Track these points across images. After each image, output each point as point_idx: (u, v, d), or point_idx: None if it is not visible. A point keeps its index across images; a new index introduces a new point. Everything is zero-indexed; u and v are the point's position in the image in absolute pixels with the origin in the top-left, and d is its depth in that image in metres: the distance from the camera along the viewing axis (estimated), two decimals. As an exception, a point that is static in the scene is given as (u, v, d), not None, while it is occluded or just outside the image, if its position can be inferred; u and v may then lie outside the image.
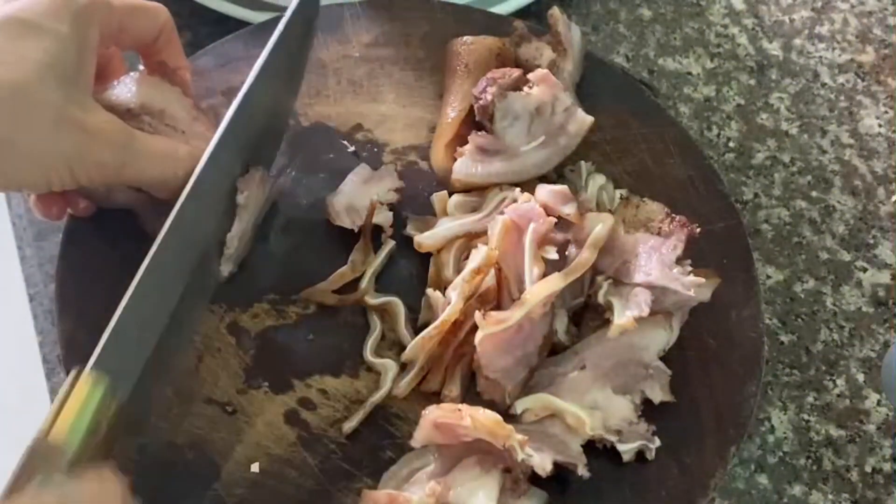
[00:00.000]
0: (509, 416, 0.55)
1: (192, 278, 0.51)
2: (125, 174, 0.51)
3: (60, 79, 0.48)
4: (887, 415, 0.65)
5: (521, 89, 0.61)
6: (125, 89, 0.55)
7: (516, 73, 0.62)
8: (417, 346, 0.56)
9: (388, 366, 0.57)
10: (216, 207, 0.54)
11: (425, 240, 0.60)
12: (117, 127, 0.51)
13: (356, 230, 0.60)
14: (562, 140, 0.62)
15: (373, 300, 0.59)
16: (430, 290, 0.59)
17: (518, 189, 0.61)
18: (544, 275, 0.57)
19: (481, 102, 0.61)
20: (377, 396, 0.56)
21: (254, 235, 0.59)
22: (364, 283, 0.59)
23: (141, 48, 0.57)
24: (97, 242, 0.58)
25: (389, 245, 0.61)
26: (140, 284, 0.47)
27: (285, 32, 0.56)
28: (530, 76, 0.62)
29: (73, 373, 0.44)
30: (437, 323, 0.56)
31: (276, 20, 0.67)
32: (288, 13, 0.57)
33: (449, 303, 0.56)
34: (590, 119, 0.63)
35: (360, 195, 0.61)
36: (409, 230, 0.61)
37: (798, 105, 0.77)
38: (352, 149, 0.64)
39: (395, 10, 0.69)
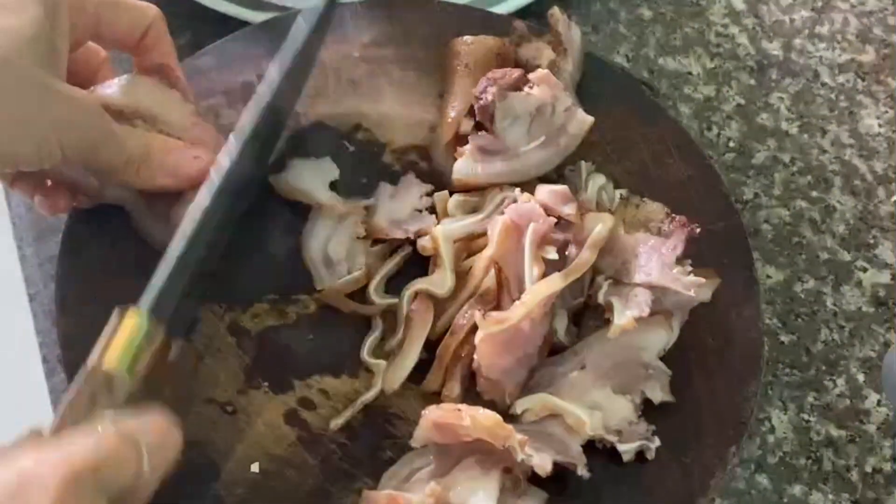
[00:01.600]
0: (509, 416, 0.55)
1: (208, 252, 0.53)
2: (104, 153, 0.52)
3: (40, 56, 0.48)
4: (887, 415, 0.65)
5: (521, 89, 0.61)
6: (118, 90, 0.55)
7: (517, 73, 0.61)
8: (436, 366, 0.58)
9: (381, 366, 0.57)
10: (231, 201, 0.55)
11: (425, 242, 0.60)
12: (97, 103, 0.51)
13: (412, 237, 0.60)
14: (562, 140, 0.62)
15: (380, 300, 0.59)
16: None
17: (518, 189, 0.61)
18: (544, 275, 0.57)
19: (482, 102, 0.61)
20: (368, 395, 0.56)
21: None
22: (373, 288, 0.59)
23: (127, 47, 0.56)
24: (97, 242, 0.58)
25: (405, 251, 0.61)
26: (186, 246, 0.50)
27: (306, 30, 0.57)
28: (531, 76, 0.62)
29: (117, 310, 0.47)
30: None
31: (278, 20, 0.67)
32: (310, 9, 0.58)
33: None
34: (590, 119, 0.63)
35: (397, 208, 0.61)
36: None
37: (798, 105, 0.77)
38: (352, 149, 0.64)
39: (395, 10, 0.69)
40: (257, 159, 0.57)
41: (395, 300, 0.59)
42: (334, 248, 0.59)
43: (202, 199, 0.51)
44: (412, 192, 0.61)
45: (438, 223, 0.60)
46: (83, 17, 0.53)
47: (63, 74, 0.51)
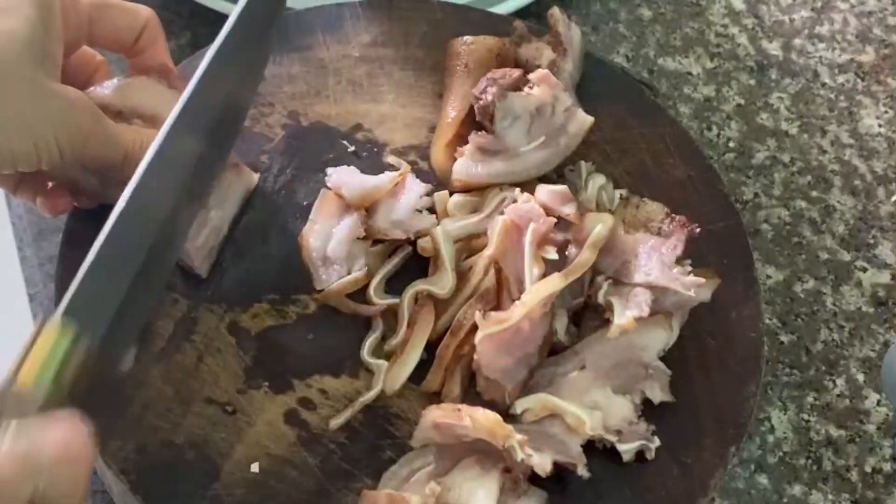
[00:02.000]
0: (509, 416, 0.55)
1: (154, 248, 0.49)
2: (100, 150, 0.52)
3: (34, 57, 0.49)
4: (887, 415, 0.65)
5: (521, 89, 0.61)
6: (117, 91, 0.55)
7: (517, 73, 0.62)
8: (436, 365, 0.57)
9: (382, 367, 0.57)
10: (175, 185, 0.51)
11: (425, 243, 0.60)
12: (91, 102, 0.51)
13: (412, 237, 0.60)
14: (562, 140, 0.63)
15: (380, 300, 0.59)
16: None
17: (518, 189, 0.61)
18: (544, 275, 0.57)
19: (482, 102, 0.61)
20: (367, 396, 0.56)
21: (230, 230, 0.59)
22: (373, 288, 0.59)
23: (121, 49, 0.57)
24: (97, 242, 0.58)
25: (406, 251, 0.61)
26: (106, 241, 0.46)
27: (242, 18, 0.54)
28: (531, 76, 0.62)
29: (39, 320, 0.43)
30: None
31: (285, 19, 0.67)
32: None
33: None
34: (590, 119, 0.63)
35: (400, 208, 0.61)
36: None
37: (798, 105, 0.77)
38: (352, 149, 0.64)
39: (395, 10, 0.69)
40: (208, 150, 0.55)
41: (395, 300, 0.59)
42: (334, 249, 0.59)
43: (130, 187, 0.48)
44: (412, 192, 0.61)
45: (438, 223, 0.60)
46: (76, 19, 0.53)
47: (58, 76, 0.51)
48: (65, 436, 0.39)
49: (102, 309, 0.45)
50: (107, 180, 0.55)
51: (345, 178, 0.60)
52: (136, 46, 0.56)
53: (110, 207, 0.57)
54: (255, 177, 0.61)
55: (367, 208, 0.60)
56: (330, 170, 0.61)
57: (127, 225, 0.46)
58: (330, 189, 0.60)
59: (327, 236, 0.59)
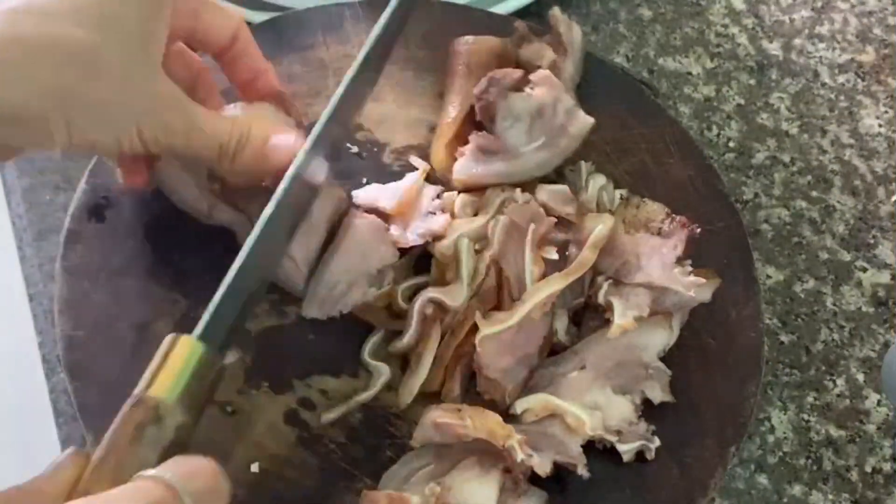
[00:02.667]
0: (509, 416, 0.55)
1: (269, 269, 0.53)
2: (189, 143, 0.51)
3: (131, 43, 0.48)
4: (887, 415, 0.65)
5: (522, 90, 0.61)
6: (238, 111, 0.55)
7: (518, 73, 0.62)
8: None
9: (382, 369, 0.57)
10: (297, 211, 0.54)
11: (445, 248, 0.59)
12: (183, 98, 0.51)
13: (430, 239, 0.59)
14: (562, 141, 0.62)
15: (404, 305, 0.59)
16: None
17: (518, 189, 0.61)
18: (544, 275, 0.57)
19: (483, 103, 0.61)
20: (364, 396, 0.56)
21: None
22: (398, 298, 0.59)
23: (217, 50, 0.56)
24: (97, 242, 0.58)
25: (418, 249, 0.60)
26: (246, 259, 0.48)
27: (386, 29, 0.56)
28: (532, 77, 0.62)
29: (168, 338, 0.44)
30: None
31: (278, 20, 0.67)
32: (386, 13, 0.57)
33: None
34: (591, 121, 0.63)
35: (414, 214, 0.60)
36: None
37: (798, 105, 0.77)
38: (354, 149, 0.64)
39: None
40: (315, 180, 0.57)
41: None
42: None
43: (261, 221, 0.49)
44: (425, 196, 0.61)
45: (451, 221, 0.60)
46: (185, 6, 0.53)
47: (159, 61, 0.50)
48: (208, 472, 0.41)
49: (224, 325, 0.47)
50: (217, 206, 0.56)
51: (376, 193, 0.60)
52: (231, 51, 0.56)
53: (110, 207, 0.57)
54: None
55: (383, 219, 0.60)
56: (355, 193, 0.60)
57: (257, 251, 0.49)
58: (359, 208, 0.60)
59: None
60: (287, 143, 0.53)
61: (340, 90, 0.54)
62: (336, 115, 0.54)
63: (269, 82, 0.58)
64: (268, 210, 0.49)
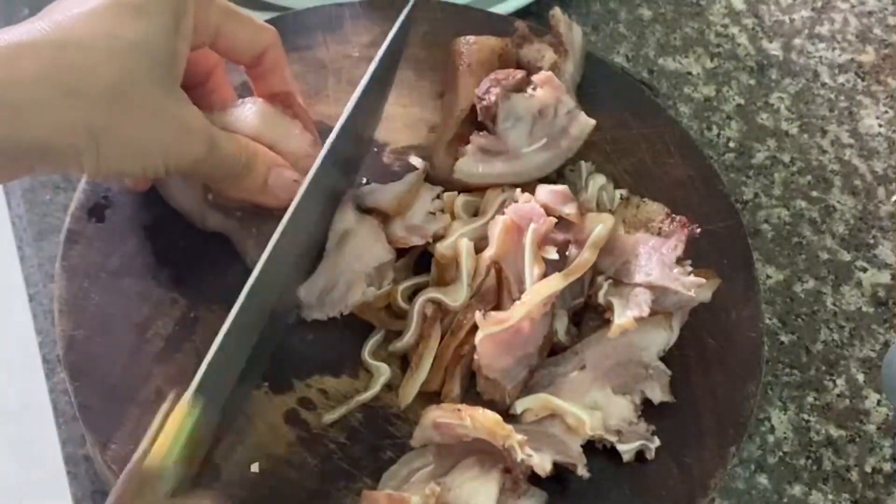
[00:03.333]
0: (509, 416, 0.55)
1: (278, 304, 0.53)
2: (207, 170, 0.52)
3: (159, 69, 0.48)
4: (887, 415, 0.65)
5: (524, 91, 0.61)
6: (243, 115, 0.55)
7: (520, 74, 0.61)
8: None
9: (382, 369, 0.57)
10: (311, 231, 0.55)
11: (446, 250, 0.59)
12: (205, 122, 0.51)
13: (430, 240, 0.59)
14: (563, 143, 0.63)
15: (405, 305, 0.59)
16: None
17: (518, 189, 0.61)
18: (544, 275, 0.57)
19: (484, 103, 0.61)
20: (364, 396, 0.56)
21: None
22: (398, 297, 0.59)
23: (243, 63, 0.56)
24: (97, 242, 0.58)
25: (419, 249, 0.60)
26: (241, 308, 0.48)
27: (392, 46, 0.57)
28: (534, 78, 0.62)
29: (170, 397, 0.45)
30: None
31: (278, 20, 0.67)
32: (395, 28, 0.58)
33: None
34: (592, 122, 0.63)
35: (414, 214, 0.60)
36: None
37: (798, 105, 0.77)
38: (352, 149, 0.64)
39: (395, 11, 0.69)
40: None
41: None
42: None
43: (257, 267, 0.49)
44: (424, 196, 0.61)
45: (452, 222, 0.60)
46: (205, 23, 0.52)
47: (180, 77, 0.50)
48: None
49: (225, 381, 0.47)
50: (209, 212, 0.57)
51: (375, 193, 0.60)
52: (259, 68, 0.56)
53: (110, 206, 0.57)
54: None
55: (383, 218, 0.60)
56: (354, 192, 0.60)
57: (253, 299, 0.48)
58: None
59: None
60: (288, 182, 0.54)
61: (350, 107, 0.54)
62: (345, 135, 0.54)
63: (289, 103, 0.58)
64: (260, 263, 0.49)
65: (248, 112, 0.56)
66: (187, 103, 0.50)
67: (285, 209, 0.52)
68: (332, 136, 0.54)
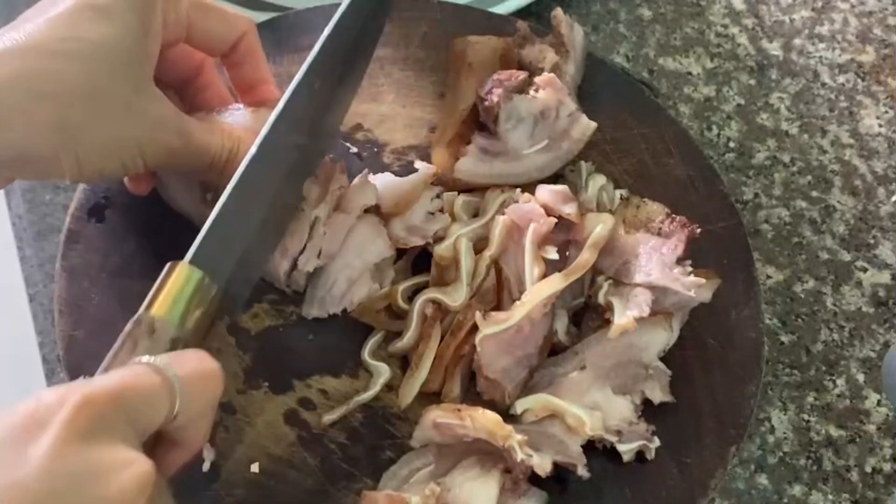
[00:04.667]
0: (509, 416, 0.55)
1: (284, 183, 0.53)
2: (185, 160, 0.52)
3: (128, 67, 0.49)
4: (887, 415, 0.65)
5: (526, 92, 0.61)
6: (238, 118, 0.55)
7: (522, 75, 0.61)
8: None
9: (382, 369, 0.57)
10: (295, 143, 0.54)
11: (445, 251, 0.59)
12: (178, 116, 0.52)
13: (431, 240, 0.59)
14: (564, 145, 0.63)
15: (405, 306, 0.59)
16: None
17: (518, 189, 0.61)
18: (545, 275, 0.57)
19: (486, 104, 0.61)
20: (364, 396, 0.56)
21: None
22: (398, 298, 0.59)
23: (217, 54, 0.56)
24: (97, 242, 0.58)
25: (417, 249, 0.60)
26: (235, 188, 0.49)
27: (343, 20, 0.56)
28: (536, 80, 0.62)
29: (168, 265, 0.47)
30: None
31: (278, 20, 0.67)
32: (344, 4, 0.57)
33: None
34: (593, 125, 0.63)
35: (414, 214, 0.60)
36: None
37: (798, 105, 0.77)
38: (354, 150, 0.64)
39: (395, 10, 0.69)
40: (325, 106, 0.57)
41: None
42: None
43: (253, 153, 0.51)
44: (424, 197, 0.61)
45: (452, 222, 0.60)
46: (175, 17, 0.53)
47: (151, 75, 0.51)
48: (199, 359, 0.42)
49: (227, 256, 0.48)
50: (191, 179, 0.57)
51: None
52: (233, 56, 0.56)
53: (110, 207, 0.57)
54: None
55: (383, 219, 0.60)
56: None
57: (253, 174, 0.50)
58: None
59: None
60: (225, 143, 0.53)
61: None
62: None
63: (267, 93, 0.58)
64: (260, 135, 0.51)
65: (243, 118, 0.56)
66: (159, 99, 0.51)
67: None
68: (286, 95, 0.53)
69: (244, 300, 0.52)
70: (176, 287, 0.46)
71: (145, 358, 0.41)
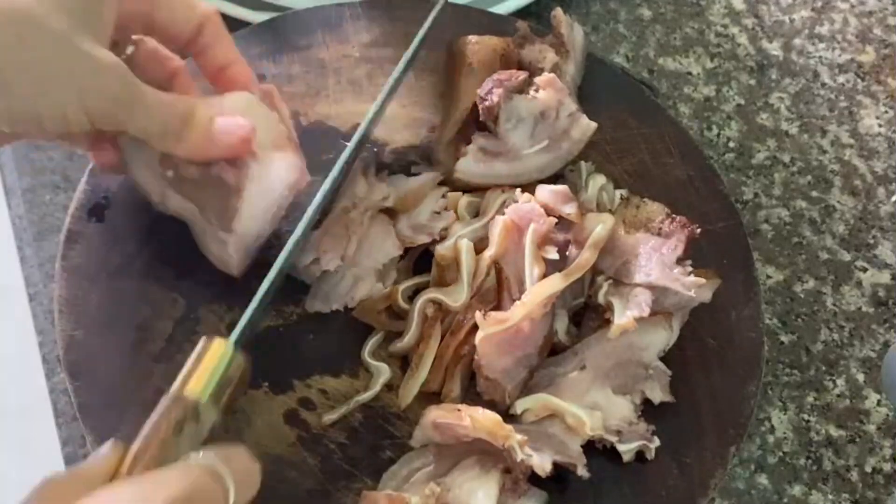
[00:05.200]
0: (509, 416, 0.55)
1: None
2: (133, 117, 0.50)
3: (68, 12, 0.47)
4: (887, 415, 0.65)
5: (526, 92, 0.61)
6: (225, 103, 0.54)
7: (523, 76, 0.61)
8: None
9: (382, 369, 0.57)
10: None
11: (446, 251, 0.59)
12: (123, 67, 0.50)
13: (437, 238, 0.59)
14: (564, 145, 0.63)
15: (405, 306, 0.59)
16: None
17: (518, 189, 0.61)
18: (545, 275, 0.57)
19: (487, 104, 0.61)
20: (364, 396, 0.56)
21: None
22: (399, 298, 0.59)
23: (181, 42, 0.55)
24: (97, 242, 0.58)
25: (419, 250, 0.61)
26: (276, 276, 0.50)
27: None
28: (537, 80, 0.62)
29: (203, 340, 0.46)
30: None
31: (278, 20, 0.67)
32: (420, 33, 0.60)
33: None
34: (593, 125, 0.63)
35: (420, 212, 0.61)
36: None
37: (798, 105, 0.77)
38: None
39: (395, 10, 0.69)
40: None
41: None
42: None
43: (295, 231, 0.52)
44: (430, 195, 0.61)
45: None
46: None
47: (105, 41, 0.49)
48: (245, 460, 0.44)
49: (251, 328, 0.49)
50: (169, 193, 0.56)
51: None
52: (198, 42, 0.55)
53: (110, 206, 0.57)
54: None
55: (392, 217, 0.60)
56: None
57: (285, 259, 0.51)
58: None
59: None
60: (234, 126, 0.52)
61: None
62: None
63: (239, 73, 0.56)
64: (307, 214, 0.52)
65: (227, 103, 0.55)
66: (107, 51, 0.49)
67: (238, 168, 0.52)
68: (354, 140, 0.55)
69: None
70: (214, 365, 0.45)
71: (200, 457, 0.42)
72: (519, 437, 0.52)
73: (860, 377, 0.66)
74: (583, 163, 0.64)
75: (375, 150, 0.62)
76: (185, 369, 0.45)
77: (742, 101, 0.77)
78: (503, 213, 0.59)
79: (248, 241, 0.56)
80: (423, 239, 0.59)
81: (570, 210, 0.59)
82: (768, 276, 0.69)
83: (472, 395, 0.57)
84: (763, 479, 0.62)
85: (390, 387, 0.57)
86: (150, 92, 0.51)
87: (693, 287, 0.56)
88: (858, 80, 0.79)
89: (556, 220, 0.58)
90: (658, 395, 0.57)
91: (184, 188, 0.54)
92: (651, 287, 0.57)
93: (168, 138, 0.51)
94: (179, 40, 0.55)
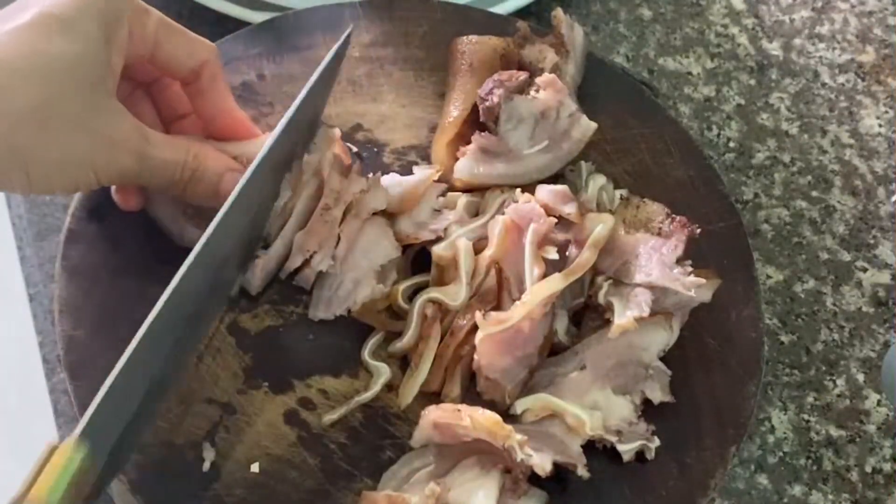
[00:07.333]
0: (509, 416, 0.55)
1: (169, 360, 0.50)
2: (141, 179, 0.53)
3: (84, 84, 0.48)
4: (887, 415, 0.65)
5: (526, 92, 0.61)
6: (241, 147, 0.56)
7: (523, 76, 0.61)
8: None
9: (382, 369, 0.57)
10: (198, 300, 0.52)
11: (444, 251, 0.59)
12: (136, 135, 0.51)
13: (440, 235, 0.59)
14: (565, 145, 0.63)
15: (405, 305, 0.59)
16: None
17: (518, 189, 0.61)
18: (545, 275, 0.57)
19: (487, 104, 0.61)
20: (364, 396, 0.56)
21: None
22: (399, 297, 0.59)
23: (181, 79, 0.56)
24: (97, 242, 0.58)
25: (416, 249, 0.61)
26: (126, 364, 0.46)
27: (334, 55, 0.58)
28: (537, 80, 0.62)
29: (48, 444, 0.43)
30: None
31: (278, 20, 0.67)
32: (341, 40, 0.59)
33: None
34: (593, 126, 0.63)
35: (421, 211, 0.61)
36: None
37: (798, 105, 0.77)
38: (354, 149, 0.64)
39: (395, 10, 0.69)
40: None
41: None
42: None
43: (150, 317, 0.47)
44: (430, 193, 0.61)
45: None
46: (142, 33, 0.52)
47: (113, 89, 0.50)
48: None
49: (114, 427, 0.46)
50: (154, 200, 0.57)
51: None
52: (197, 84, 0.56)
53: (110, 207, 0.57)
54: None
55: (389, 216, 0.60)
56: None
57: (148, 344, 0.46)
58: None
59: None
60: (189, 162, 0.53)
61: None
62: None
63: (230, 123, 0.57)
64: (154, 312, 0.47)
65: (253, 144, 0.56)
66: (117, 115, 0.50)
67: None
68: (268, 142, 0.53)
69: (114, 478, 0.50)
70: (59, 469, 0.42)
71: None
72: (519, 437, 0.52)
73: (860, 377, 0.66)
74: (583, 163, 0.64)
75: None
76: (28, 475, 0.42)
77: (742, 101, 0.77)
78: (503, 213, 0.59)
79: (272, 265, 0.58)
80: (427, 236, 0.59)
81: (570, 210, 0.59)
82: (768, 276, 0.69)
83: (472, 395, 0.57)
84: (763, 479, 0.62)
85: (390, 387, 0.57)
86: (157, 148, 0.52)
87: (693, 287, 0.56)
88: (858, 80, 0.79)
89: (556, 220, 0.58)
90: (658, 395, 0.57)
91: (202, 224, 0.55)
92: (651, 287, 0.57)
93: (175, 190, 0.54)
94: (177, 76, 0.56)
